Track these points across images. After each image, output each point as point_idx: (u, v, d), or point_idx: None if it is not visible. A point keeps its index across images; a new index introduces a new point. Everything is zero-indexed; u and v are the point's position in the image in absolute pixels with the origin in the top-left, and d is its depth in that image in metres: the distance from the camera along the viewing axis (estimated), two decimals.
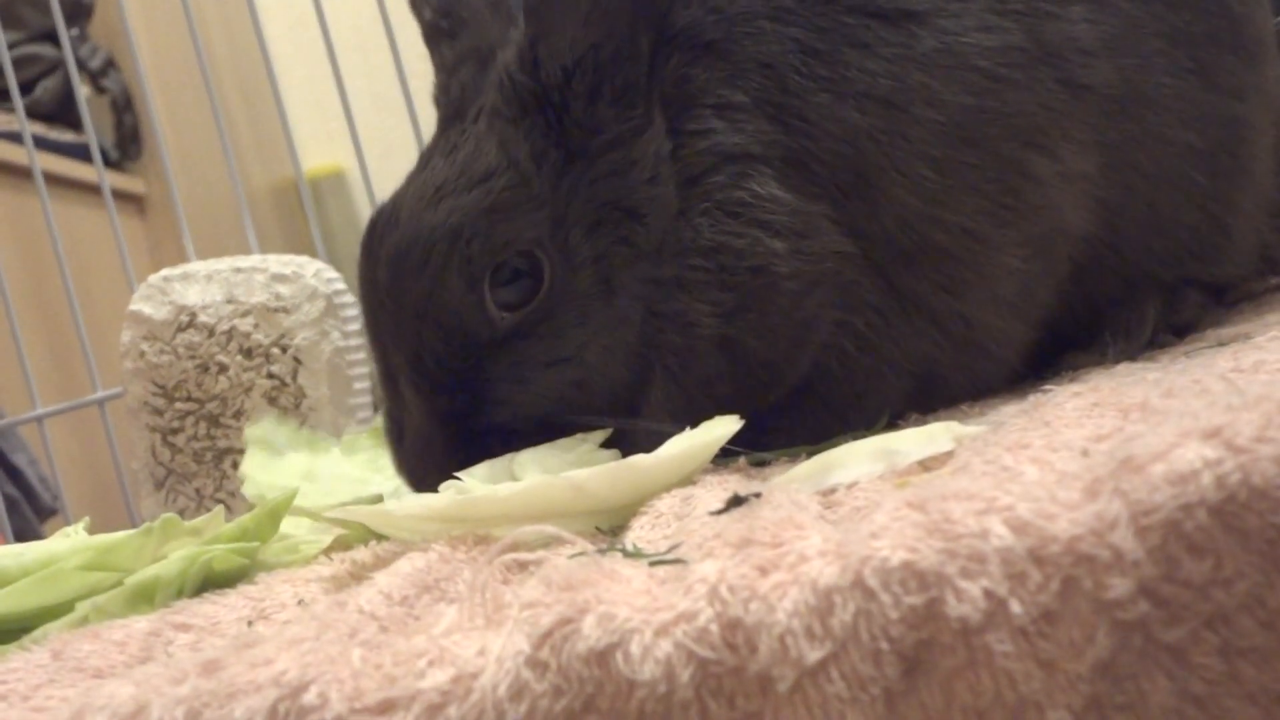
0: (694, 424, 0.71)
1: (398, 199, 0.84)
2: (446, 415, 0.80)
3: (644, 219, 0.80)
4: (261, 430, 0.94)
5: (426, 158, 0.87)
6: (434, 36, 0.96)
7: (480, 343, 0.80)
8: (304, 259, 1.31)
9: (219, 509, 0.78)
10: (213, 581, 0.72)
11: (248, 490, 0.87)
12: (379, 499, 0.81)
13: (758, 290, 0.78)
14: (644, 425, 0.79)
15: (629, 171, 0.81)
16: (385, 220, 0.83)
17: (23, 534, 1.88)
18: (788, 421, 0.80)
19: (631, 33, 0.81)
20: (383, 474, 0.92)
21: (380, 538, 0.73)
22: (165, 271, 1.30)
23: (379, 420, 0.97)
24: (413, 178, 0.86)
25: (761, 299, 0.78)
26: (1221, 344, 0.76)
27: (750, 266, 0.78)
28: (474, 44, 0.91)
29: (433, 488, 0.73)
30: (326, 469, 0.94)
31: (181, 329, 1.25)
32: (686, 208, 0.80)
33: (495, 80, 0.84)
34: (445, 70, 0.93)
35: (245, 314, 1.25)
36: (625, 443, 0.78)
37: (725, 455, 0.72)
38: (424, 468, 0.80)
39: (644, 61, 0.82)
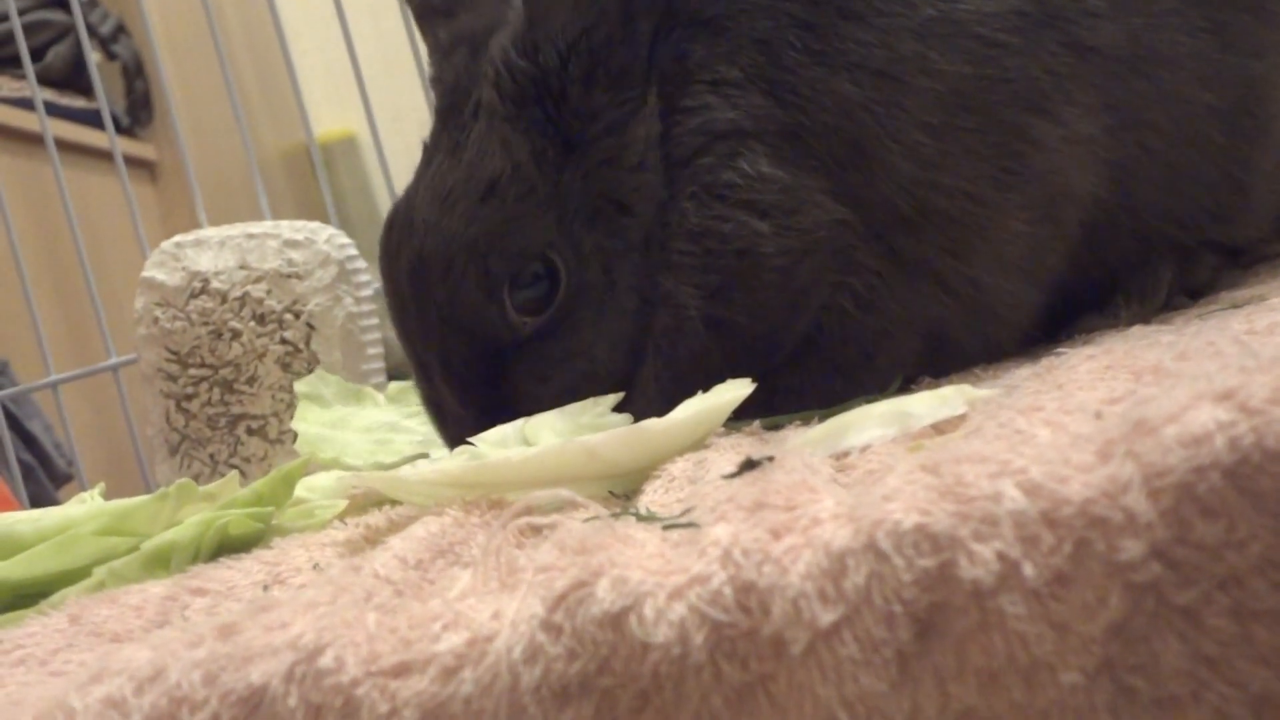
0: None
1: (410, 199, 0.85)
2: (480, 406, 0.82)
3: (632, 210, 0.81)
4: (309, 385, 0.97)
5: (430, 153, 0.88)
6: (427, 14, 0.95)
7: (503, 345, 0.82)
8: (316, 225, 1.31)
9: (234, 474, 0.78)
10: (228, 546, 0.72)
11: (300, 446, 0.88)
12: (424, 457, 0.83)
13: (743, 271, 0.79)
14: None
15: (619, 158, 0.81)
16: (401, 223, 0.85)
17: (38, 500, 1.90)
18: (797, 383, 0.80)
19: (624, 15, 0.82)
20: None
21: (394, 503, 0.73)
22: (178, 238, 1.30)
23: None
24: (421, 174, 0.87)
25: (747, 279, 0.79)
26: (1236, 306, 0.75)
27: (735, 249, 0.79)
28: (470, 27, 0.91)
29: None
30: (377, 418, 0.97)
31: (195, 295, 1.25)
32: (675, 191, 0.81)
33: (489, 73, 0.84)
34: (440, 52, 0.93)
35: (258, 280, 1.25)
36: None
37: (738, 419, 0.72)
38: None
39: (644, 44, 0.82)
